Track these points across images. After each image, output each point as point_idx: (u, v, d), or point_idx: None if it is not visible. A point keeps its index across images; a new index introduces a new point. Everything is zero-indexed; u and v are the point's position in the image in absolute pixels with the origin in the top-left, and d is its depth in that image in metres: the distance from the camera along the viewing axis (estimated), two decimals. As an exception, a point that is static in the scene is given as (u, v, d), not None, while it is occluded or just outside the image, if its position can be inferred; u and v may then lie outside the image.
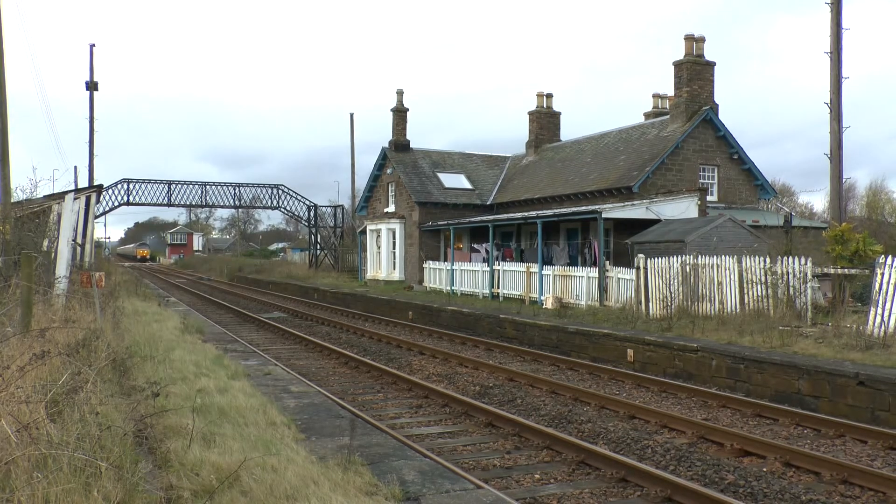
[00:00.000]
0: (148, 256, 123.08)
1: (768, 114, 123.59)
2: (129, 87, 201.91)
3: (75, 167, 64.41)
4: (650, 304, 18.68)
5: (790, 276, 16.14)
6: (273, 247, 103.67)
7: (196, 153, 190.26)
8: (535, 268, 24.67)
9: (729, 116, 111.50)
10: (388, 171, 37.31)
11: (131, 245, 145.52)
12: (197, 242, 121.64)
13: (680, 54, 26.66)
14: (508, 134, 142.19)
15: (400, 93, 37.50)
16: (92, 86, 39.08)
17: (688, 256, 18.07)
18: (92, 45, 39.04)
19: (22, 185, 38.30)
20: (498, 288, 26.77)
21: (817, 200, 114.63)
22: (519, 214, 29.08)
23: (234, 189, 49.53)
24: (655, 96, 32.94)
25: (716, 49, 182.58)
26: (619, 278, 21.00)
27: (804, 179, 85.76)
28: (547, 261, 26.50)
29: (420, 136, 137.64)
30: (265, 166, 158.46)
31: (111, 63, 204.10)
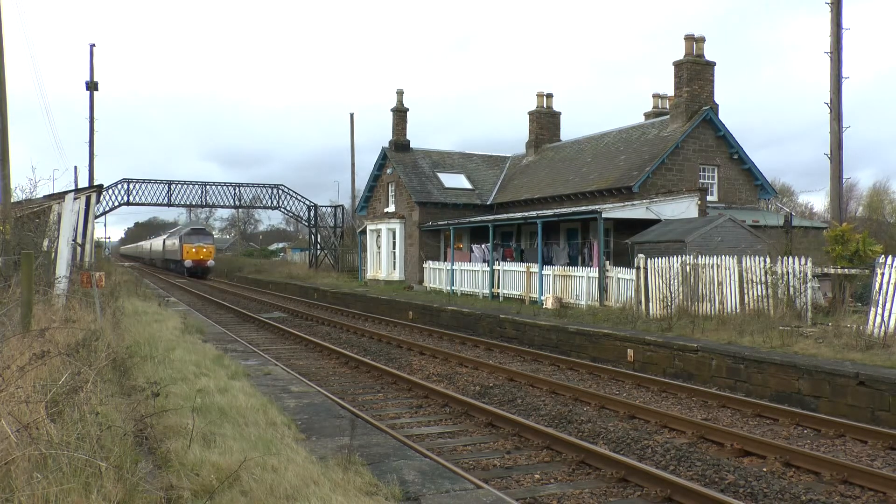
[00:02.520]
0: (212, 262, 62.60)
1: (775, 114, 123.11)
2: (129, 87, 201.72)
3: (75, 167, 64.34)
4: (650, 304, 18.68)
5: (790, 276, 16.14)
6: (273, 247, 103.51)
7: (198, 153, 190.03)
8: (535, 268, 24.67)
9: (735, 116, 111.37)
10: (388, 171, 37.31)
11: (161, 237, 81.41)
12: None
13: (680, 54, 26.67)
14: (509, 134, 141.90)
15: (400, 93, 37.51)
16: (92, 86, 39.14)
17: (688, 256, 18.06)
18: (92, 45, 39.13)
19: (22, 184, 38.45)
20: (498, 288, 26.76)
21: (817, 200, 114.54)
22: (519, 214, 29.08)
23: (235, 189, 49.56)
24: (655, 96, 32.96)
25: (722, 49, 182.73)
26: (619, 278, 21.00)
27: (810, 179, 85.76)
28: (547, 261, 26.50)
29: (420, 136, 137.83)
30: (267, 166, 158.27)
31: (111, 63, 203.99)
